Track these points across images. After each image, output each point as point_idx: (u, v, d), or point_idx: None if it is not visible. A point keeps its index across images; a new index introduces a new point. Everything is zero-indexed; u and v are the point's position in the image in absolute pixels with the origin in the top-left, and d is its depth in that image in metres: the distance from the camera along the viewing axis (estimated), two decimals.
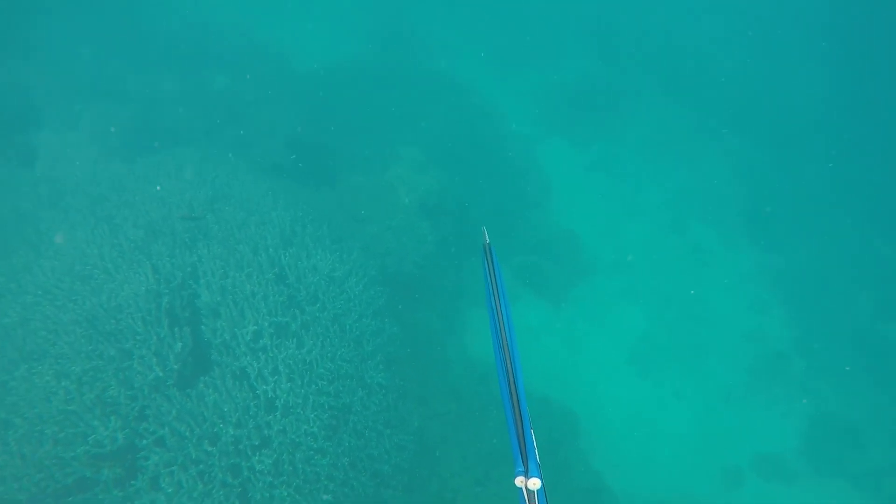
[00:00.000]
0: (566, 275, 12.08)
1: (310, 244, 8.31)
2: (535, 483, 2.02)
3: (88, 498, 5.91)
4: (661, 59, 15.55)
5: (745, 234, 13.35)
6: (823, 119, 15.24)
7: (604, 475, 10.00)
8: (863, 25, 16.16)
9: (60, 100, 9.48)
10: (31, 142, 8.95)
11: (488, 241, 3.11)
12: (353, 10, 15.52)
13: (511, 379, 2.39)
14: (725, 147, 14.42)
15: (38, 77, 9.75)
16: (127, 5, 13.06)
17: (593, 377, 11.28)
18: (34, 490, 5.68)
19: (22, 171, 8.88)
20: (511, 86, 14.14)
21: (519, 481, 2.05)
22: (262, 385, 6.85)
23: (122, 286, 6.84)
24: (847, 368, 11.49)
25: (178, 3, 13.61)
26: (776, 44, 16.52)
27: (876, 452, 10.48)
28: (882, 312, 12.28)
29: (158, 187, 8.25)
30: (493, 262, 2.95)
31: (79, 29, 11.48)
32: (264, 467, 6.51)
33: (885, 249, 13.00)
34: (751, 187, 13.88)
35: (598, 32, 15.64)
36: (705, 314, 12.49)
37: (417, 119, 12.34)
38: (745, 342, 12.22)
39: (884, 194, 13.75)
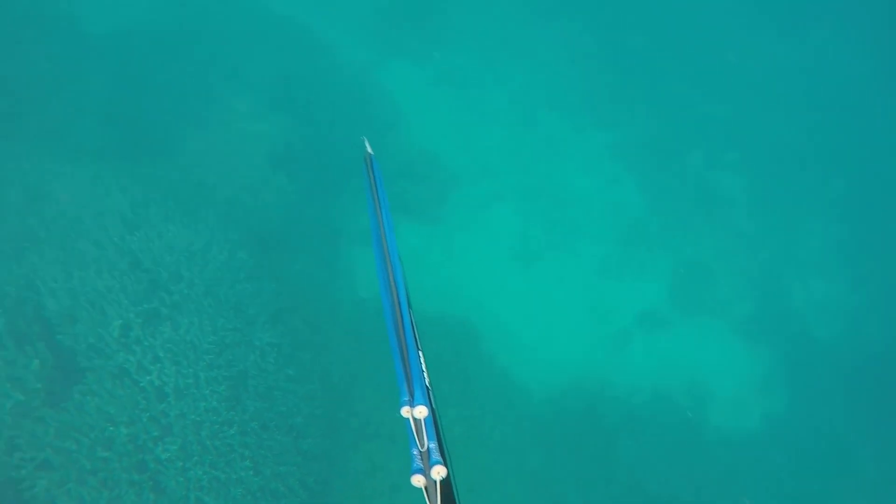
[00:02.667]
0: (434, 192, 12.28)
1: (158, 223, 7.79)
2: (421, 411, 1.86)
3: None
4: None
5: (589, 116, 14.15)
6: None
7: (510, 371, 10.73)
8: None
9: None
10: None
11: (370, 151, 2.95)
12: None
13: (395, 297, 2.20)
14: (558, 32, 14.90)
15: None
16: None
17: (481, 283, 11.80)
18: None
19: None
20: (334, 12, 13.52)
21: (405, 412, 1.88)
22: (145, 377, 6.57)
23: None
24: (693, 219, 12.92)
25: None
26: None
27: (723, 285, 12.08)
28: (710, 163, 13.77)
29: None
30: (374, 173, 2.79)
31: None
32: (171, 454, 6.37)
33: (705, 107, 14.41)
34: (587, 69, 14.60)
35: None
36: (570, 199, 13.32)
37: (244, 66, 11.55)
38: (608, 217, 13.24)
39: (702, 57, 15.04)
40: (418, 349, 2.13)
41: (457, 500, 1.90)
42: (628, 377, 10.85)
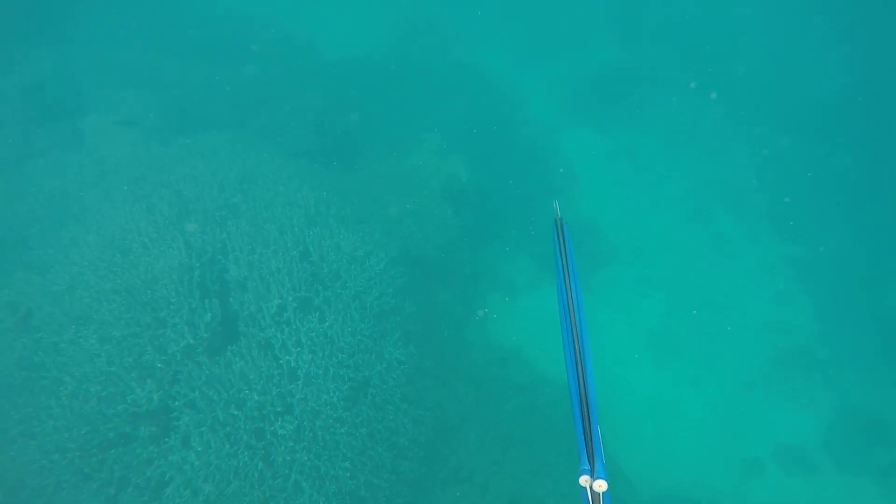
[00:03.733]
0: (587, 263, 12.18)
1: (333, 224, 8.64)
2: (601, 485, 1.88)
3: (128, 451, 6.37)
4: (685, 47, 15.45)
5: (769, 224, 13.22)
6: (848, 105, 14.92)
7: (620, 462, 10.11)
8: (891, 9, 15.69)
9: (103, 87, 10.02)
10: (77, 126, 9.51)
11: (560, 215, 2.88)
12: (378, 0, 15.82)
13: (579, 368, 2.20)
14: (750, 135, 14.29)
15: (83, 65, 10.30)
16: None
17: (612, 364, 11.37)
18: (81, 441, 6.16)
19: (69, 153, 9.44)
20: (534, 74, 14.25)
21: (584, 480, 1.92)
22: (285, 355, 7.21)
23: (157, 259, 7.28)
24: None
25: None
26: (800, 29, 16.23)
27: None
28: None
29: None
30: (564, 238, 2.71)
31: (117, 19, 12.04)
32: (286, 432, 6.88)
33: None
34: (775, 176, 13.74)
35: (620, 20, 15.62)
36: (727, 304, 12.43)
37: (440, 107, 12.59)
38: (767, 333, 12.12)
39: None
40: (598, 424, 2.13)
41: None
42: None
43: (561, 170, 13.18)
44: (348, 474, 7.28)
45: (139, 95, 10.17)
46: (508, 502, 8.67)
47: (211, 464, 6.53)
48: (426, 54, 14.03)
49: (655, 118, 14.65)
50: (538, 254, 12.03)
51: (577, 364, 2.21)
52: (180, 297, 7.13)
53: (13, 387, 6.77)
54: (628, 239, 12.83)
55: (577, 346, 2.26)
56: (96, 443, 6.19)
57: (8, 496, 6.05)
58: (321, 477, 7.05)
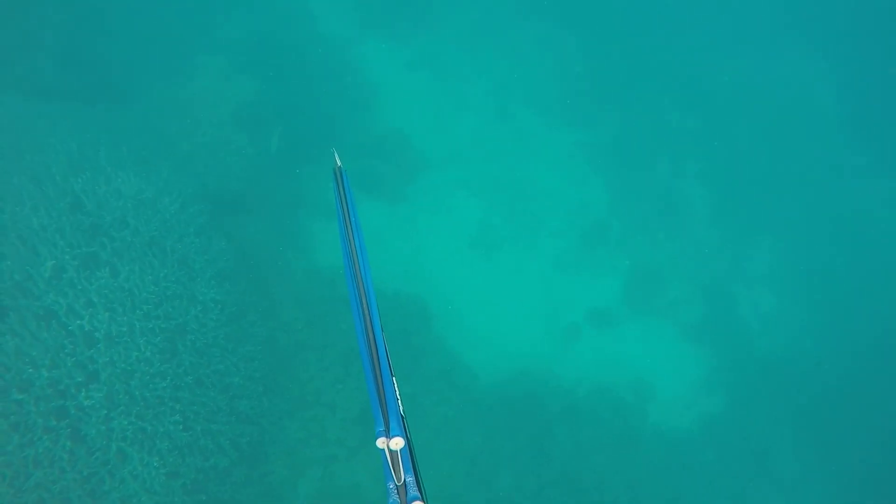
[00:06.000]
0: (401, 173, 12.23)
1: (107, 168, 7.53)
2: (397, 443, 1.82)
3: None
4: None
5: (563, 115, 14.29)
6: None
7: (458, 353, 10.76)
8: None
9: None
10: None
11: (339, 164, 2.75)
12: None
13: (368, 324, 2.11)
14: (541, 32, 15.01)
15: None
16: None
17: (439, 266, 11.82)
18: None
19: None
20: None
21: (380, 443, 1.85)
22: (74, 321, 6.34)
23: None
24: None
25: None
26: None
27: (674, 289, 12.35)
28: (676, 171, 14.07)
29: None
30: (344, 187, 2.60)
31: None
32: (95, 402, 6.17)
33: (675, 116, 14.72)
34: (565, 70, 14.74)
35: None
36: (535, 193, 13.42)
37: (217, 25, 11.29)
38: (571, 213, 13.40)
39: (677, 70, 15.33)
40: (393, 376, 2.04)
41: None
42: (573, 370, 11.00)
43: (361, 83, 12.79)
44: (181, 427, 6.83)
45: None
46: (358, 415, 8.85)
47: None
48: None
49: (450, 23, 14.67)
50: (354, 171, 11.75)
51: (364, 320, 2.10)
52: None
53: None
54: (438, 145, 13.06)
55: (363, 301, 2.14)
56: None
57: None
58: (149, 437, 6.52)
